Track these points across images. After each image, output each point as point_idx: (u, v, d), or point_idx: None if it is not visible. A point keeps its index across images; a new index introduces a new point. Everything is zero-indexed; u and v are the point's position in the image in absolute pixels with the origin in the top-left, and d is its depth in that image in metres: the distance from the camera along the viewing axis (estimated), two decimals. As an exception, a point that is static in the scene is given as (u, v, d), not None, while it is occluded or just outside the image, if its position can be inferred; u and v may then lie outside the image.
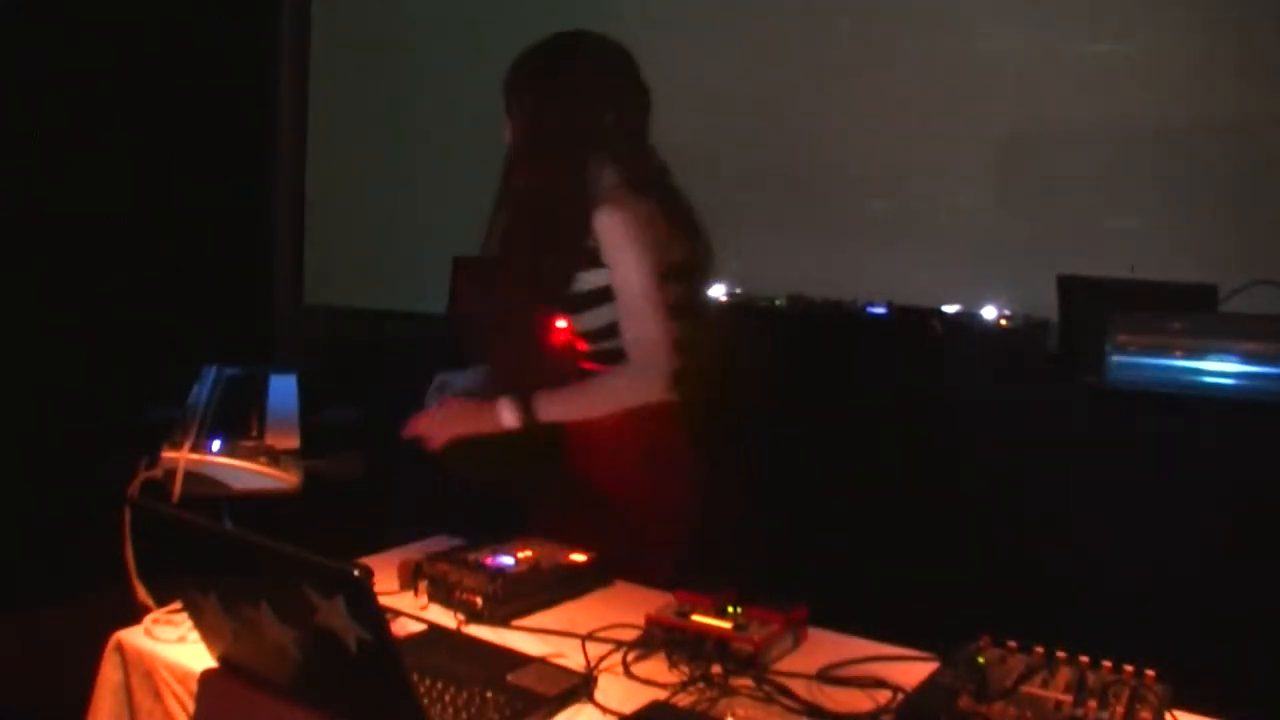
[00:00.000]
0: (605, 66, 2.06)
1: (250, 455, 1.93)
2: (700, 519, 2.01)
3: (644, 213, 1.92)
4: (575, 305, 1.97)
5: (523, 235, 1.98)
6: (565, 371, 1.99)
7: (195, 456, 1.87)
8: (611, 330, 1.94)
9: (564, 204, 1.93)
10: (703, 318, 2.08)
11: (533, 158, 1.98)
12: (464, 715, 1.27)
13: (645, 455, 1.97)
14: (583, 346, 2.02)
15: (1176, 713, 1.31)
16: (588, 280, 1.93)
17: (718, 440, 2.08)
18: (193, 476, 1.85)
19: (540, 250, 1.95)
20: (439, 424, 2.02)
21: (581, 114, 1.98)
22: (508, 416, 1.93)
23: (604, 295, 1.92)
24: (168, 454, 1.87)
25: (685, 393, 1.96)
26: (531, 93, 2.01)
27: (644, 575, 1.78)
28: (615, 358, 1.94)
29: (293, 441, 2.03)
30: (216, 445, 1.93)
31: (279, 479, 1.93)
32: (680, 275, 1.99)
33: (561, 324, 2.05)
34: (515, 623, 1.60)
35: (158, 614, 1.56)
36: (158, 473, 1.84)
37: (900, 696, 1.35)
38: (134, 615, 1.58)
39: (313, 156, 4.59)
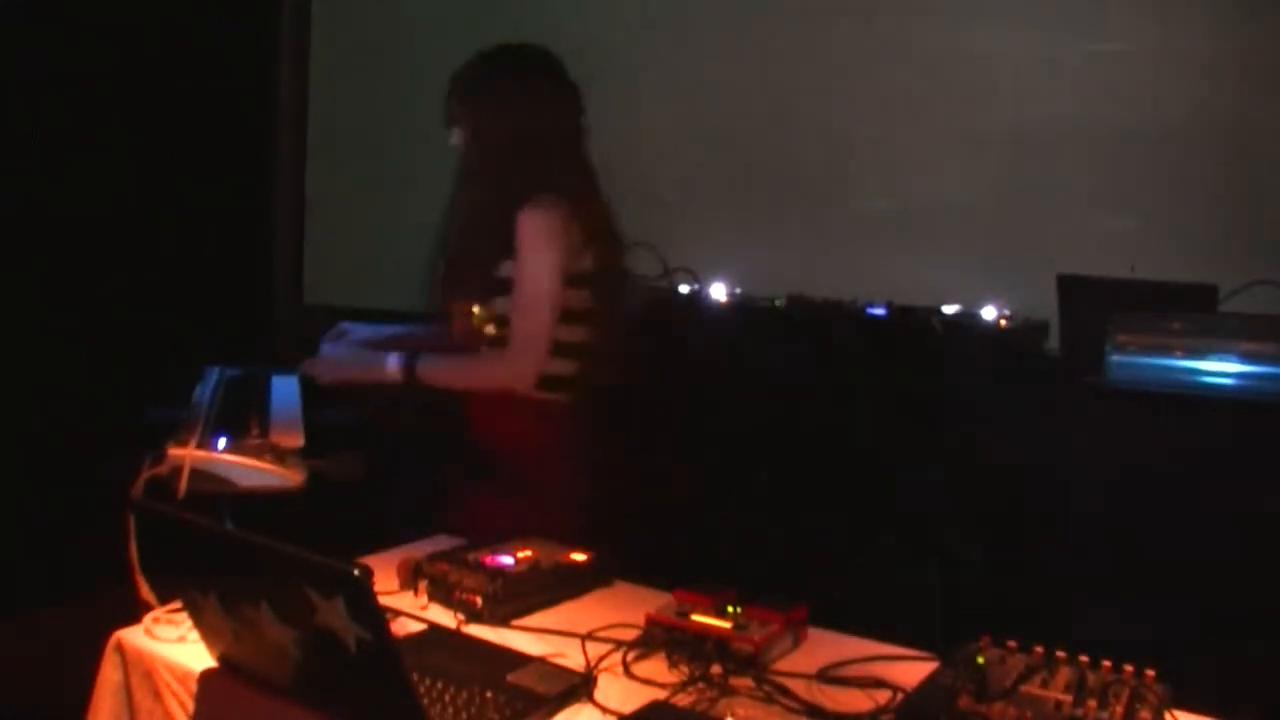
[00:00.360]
0: (541, 76, 2.21)
1: (256, 453, 1.94)
2: (600, 512, 2.14)
3: (561, 218, 2.07)
4: (494, 290, 2.12)
5: (466, 231, 2.18)
6: (481, 341, 2.15)
7: (202, 454, 1.88)
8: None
9: (498, 204, 2.08)
10: (608, 327, 2.19)
11: (478, 162, 2.16)
12: (464, 715, 1.27)
13: (539, 449, 2.12)
14: (491, 331, 2.14)
15: (1176, 713, 1.31)
16: (506, 269, 2.09)
17: (622, 438, 2.28)
18: (199, 474, 1.86)
19: (475, 243, 2.14)
20: (331, 364, 2.19)
21: (518, 122, 2.13)
22: (391, 368, 2.11)
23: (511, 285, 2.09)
24: (174, 451, 1.88)
25: (579, 394, 2.15)
26: (474, 102, 2.18)
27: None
28: (503, 342, 2.10)
29: (297, 440, 2.03)
30: (222, 443, 1.94)
31: (284, 477, 1.94)
32: (587, 282, 2.13)
33: (476, 309, 2.18)
34: (515, 623, 1.60)
35: (158, 613, 1.56)
36: (164, 469, 1.84)
37: (900, 696, 1.35)
38: (134, 615, 1.58)
39: (313, 157, 4.59)
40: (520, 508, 2.02)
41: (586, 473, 2.19)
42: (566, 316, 2.12)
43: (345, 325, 2.36)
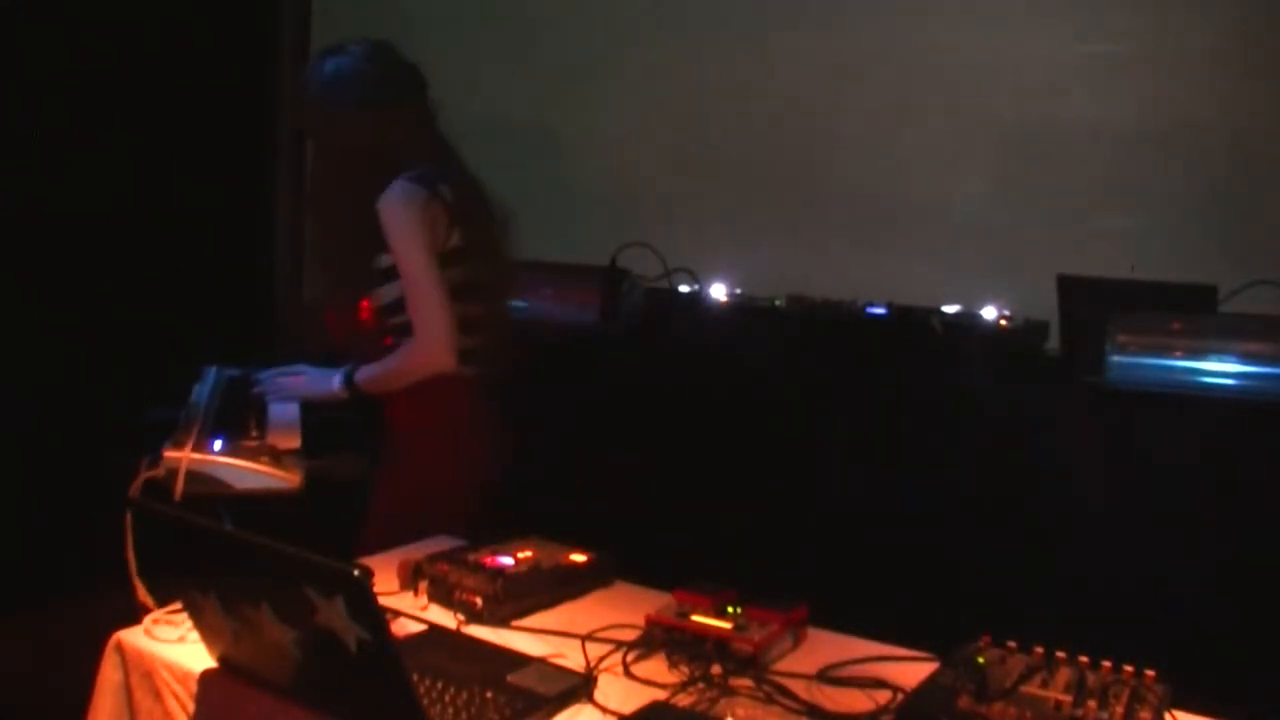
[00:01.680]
0: (375, 68, 2.25)
1: (252, 455, 1.93)
2: (504, 481, 2.24)
3: (420, 202, 2.12)
4: (376, 281, 2.19)
5: (328, 232, 2.31)
6: (376, 344, 2.22)
7: (198, 456, 1.88)
8: (402, 305, 2.16)
9: (358, 201, 2.14)
10: (492, 299, 2.28)
11: (331, 166, 2.26)
12: (464, 715, 1.27)
13: (451, 425, 2.19)
14: (384, 321, 2.21)
15: (1176, 713, 1.32)
16: (383, 260, 2.16)
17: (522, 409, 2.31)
18: (195, 476, 1.86)
19: (342, 243, 2.23)
20: (286, 384, 2.27)
21: (360, 121, 2.18)
22: (336, 385, 2.21)
23: (393, 273, 2.15)
24: (170, 453, 1.88)
25: (481, 367, 2.22)
26: (313, 115, 2.26)
27: (456, 531, 1.98)
28: (408, 330, 2.15)
29: (294, 442, 2.03)
30: (218, 445, 1.94)
31: (281, 479, 1.94)
32: (460, 259, 2.18)
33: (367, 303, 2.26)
34: (515, 623, 1.60)
35: (158, 614, 1.56)
36: (160, 472, 1.84)
37: (900, 696, 1.35)
38: (134, 615, 1.58)
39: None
40: (442, 483, 2.14)
41: (503, 445, 2.27)
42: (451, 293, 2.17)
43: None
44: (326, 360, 2.29)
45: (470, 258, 2.20)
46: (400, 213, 2.11)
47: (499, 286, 2.32)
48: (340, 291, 2.31)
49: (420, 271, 2.11)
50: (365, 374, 2.20)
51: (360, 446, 2.30)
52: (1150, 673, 1.33)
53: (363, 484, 2.24)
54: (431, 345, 2.12)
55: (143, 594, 1.61)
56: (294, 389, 2.26)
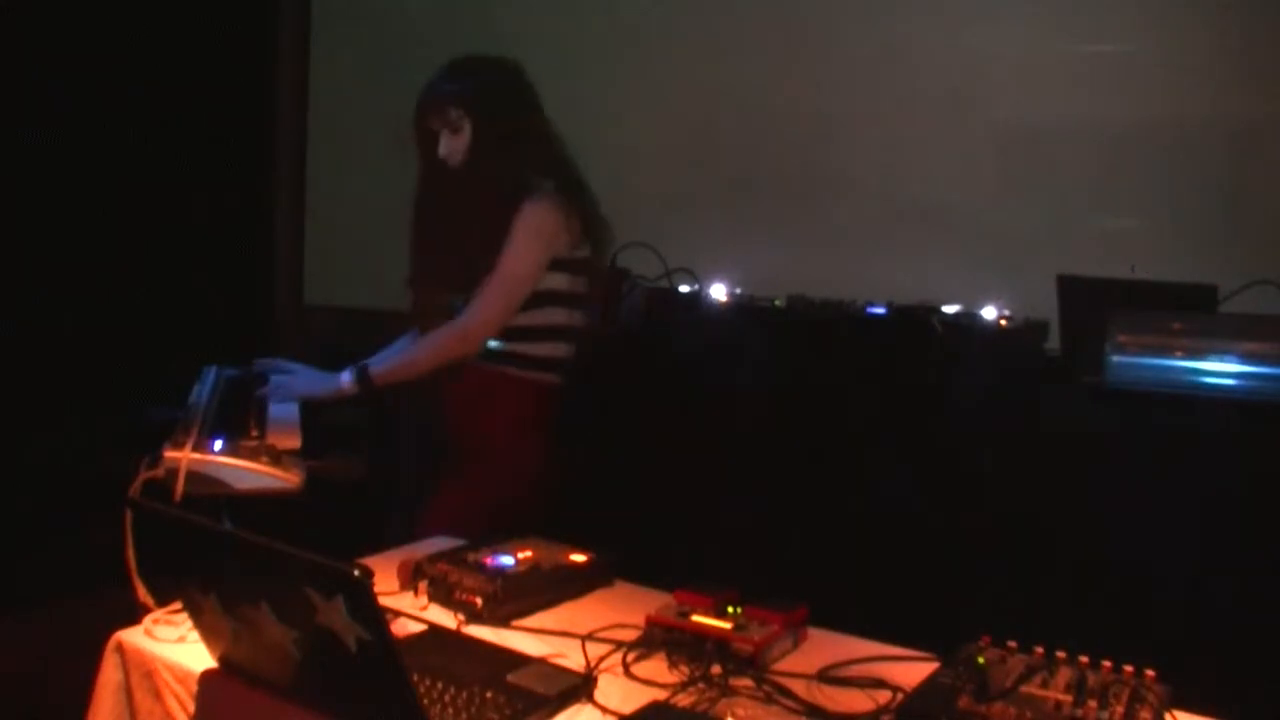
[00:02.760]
0: (521, 80, 2.33)
1: (252, 455, 1.93)
2: (560, 486, 2.28)
3: (561, 211, 2.19)
4: (476, 281, 2.19)
5: (457, 225, 2.25)
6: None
7: (198, 456, 1.88)
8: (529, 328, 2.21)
9: (494, 200, 2.18)
10: (589, 312, 2.34)
11: (477, 160, 2.24)
12: (464, 715, 1.27)
13: (532, 429, 2.25)
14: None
15: (1176, 713, 1.31)
16: (489, 262, 2.18)
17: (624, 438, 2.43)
18: (195, 476, 1.85)
19: (467, 238, 2.21)
20: (289, 384, 2.25)
21: (515, 123, 2.25)
22: (345, 382, 2.20)
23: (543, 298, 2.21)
24: (170, 453, 1.87)
25: (563, 376, 2.27)
26: (472, 102, 2.25)
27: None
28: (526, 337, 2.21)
29: (294, 442, 2.03)
30: (218, 445, 1.93)
31: (281, 479, 1.93)
32: (584, 269, 2.27)
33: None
34: (515, 623, 1.60)
35: (158, 614, 1.56)
36: (160, 472, 1.84)
37: (900, 696, 1.35)
38: (134, 615, 1.58)
39: (313, 157, 4.59)
40: (518, 483, 2.18)
41: (558, 453, 2.31)
42: (567, 300, 2.25)
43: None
44: (322, 361, 2.30)
45: (590, 271, 2.29)
46: (541, 216, 2.17)
47: (595, 302, 2.38)
48: (445, 289, 2.29)
49: (521, 272, 2.16)
50: (382, 366, 2.23)
51: (360, 447, 2.31)
52: (1150, 673, 1.33)
53: (362, 484, 2.24)
54: (476, 329, 2.17)
55: (143, 594, 1.61)
56: (294, 388, 2.27)
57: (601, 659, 1.46)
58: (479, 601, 1.60)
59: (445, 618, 1.61)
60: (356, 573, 1.11)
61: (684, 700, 1.35)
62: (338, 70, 4.49)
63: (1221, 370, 2.27)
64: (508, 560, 1.72)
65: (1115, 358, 2.34)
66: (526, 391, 2.24)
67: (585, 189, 2.29)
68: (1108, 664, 1.35)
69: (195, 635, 1.42)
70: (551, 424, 2.31)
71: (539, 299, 2.22)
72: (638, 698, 1.35)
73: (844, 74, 3.27)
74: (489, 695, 1.30)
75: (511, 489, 2.18)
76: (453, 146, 2.26)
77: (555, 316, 2.25)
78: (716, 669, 1.42)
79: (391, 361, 2.25)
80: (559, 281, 2.24)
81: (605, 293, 2.42)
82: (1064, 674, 1.33)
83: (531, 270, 2.17)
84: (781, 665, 1.47)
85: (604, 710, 1.32)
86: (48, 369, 3.42)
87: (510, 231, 2.16)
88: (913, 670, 1.43)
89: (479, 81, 2.29)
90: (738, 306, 3.05)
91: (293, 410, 2.21)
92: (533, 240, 2.17)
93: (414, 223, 2.31)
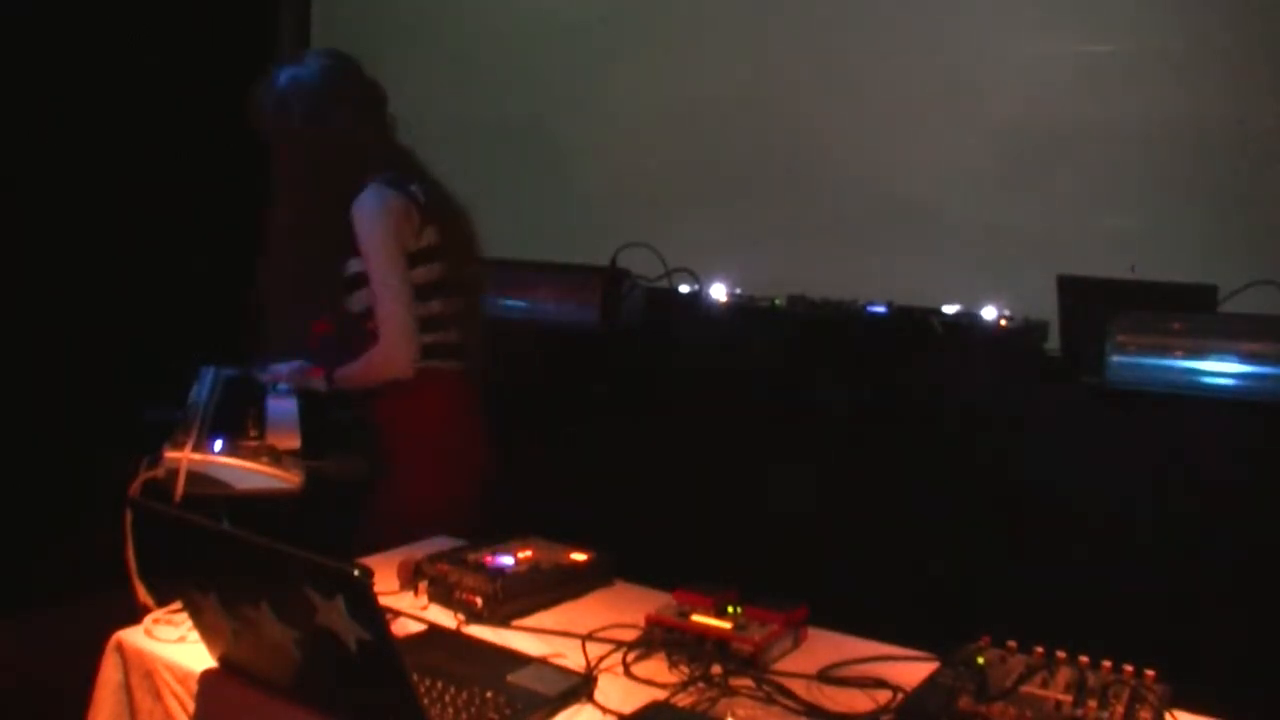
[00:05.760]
0: (340, 79, 2.28)
1: (252, 455, 1.93)
2: (496, 472, 2.29)
3: (391, 204, 2.16)
4: (348, 288, 2.22)
5: (300, 241, 2.25)
6: (358, 351, 2.23)
7: (198, 456, 1.87)
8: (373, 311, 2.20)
9: (329, 207, 2.18)
10: (463, 295, 2.31)
11: (300, 173, 2.24)
12: (464, 715, 1.27)
13: (440, 422, 2.25)
14: (362, 326, 2.22)
15: (1176, 713, 1.32)
16: (351, 265, 2.20)
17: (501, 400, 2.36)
18: (195, 476, 1.85)
19: (314, 249, 2.23)
20: (279, 376, 2.25)
21: (330, 128, 2.21)
22: (317, 383, 2.23)
23: (362, 279, 2.19)
24: (170, 454, 1.87)
25: (458, 361, 2.27)
26: (284, 118, 2.23)
27: (457, 529, 2.01)
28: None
29: (294, 442, 2.03)
30: (218, 445, 1.93)
31: (281, 479, 1.93)
32: (434, 256, 2.22)
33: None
34: (515, 623, 1.60)
35: (158, 614, 1.56)
36: (160, 472, 1.84)
37: (900, 696, 1.35)
38: (134, 615, 1.58)
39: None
40: (436, 481, 2.19)
41: (490, 439, 2.31)
42: (420, 292, 2.21)
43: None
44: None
45: (443, 255, 2.25)
46: (373, 212, 2.15)
47: (471, 283, 2.35)
48: (304, 301, 2.30)
49: (388, 271, 2.15)
50: (340, 371, 2.24)
51: (360, 447, 2.31)
52: (1150, 673, 1.33)
53: (363, 484, 2.24)
54: (395, 348, 2.16)
55: (143, 594, 1.61)
56: (289, 374, 2.27)
57: (601, 659, 1.46)
58: (479, 601, 1.60)
59: (445, 618, 1.61)
60: (356, 573, 1.11)
61: (684, 700, 1.35)
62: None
63: (1221, 370, 2.27)
64: (508, 560, 1.72)
65: (1115, 358, 2.34)
66: (418, 387, 2.20)
67: (416, 178, 2.25)
68: (1108, 664, 1.35)
69: (195, 635, 1.42)
70: (465, 414, 2.29)
71: (357, 282, 2.21)
72: (638, 698, 1.35)
73: (844, 74, 3.27)
74: (489, 695, 1.30)
75: (429, 487, 2.18)
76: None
77: (431, 309, 2.23)
78: (716, 669, 1.42)
79: (347, 370, 2.22)
80: (415, 275, 2.21)
81: (477, 276, 2.36)
82: (1064, 674, 1.33)
83: (392, 265, 2.15)
84: (781, 665, 1.47)
85: (604, 710, 1.32)
86: (48, 369, 3.42)
87: (357, 238, 2.15)
88: (913, 670, 1.43)
89: (276, 94, 2.26)
90: (738, 306, 3.05)
91: (293, 410, 2.21)
92: (375, 238, 2.14)
93: (259, 245, 2.31)
